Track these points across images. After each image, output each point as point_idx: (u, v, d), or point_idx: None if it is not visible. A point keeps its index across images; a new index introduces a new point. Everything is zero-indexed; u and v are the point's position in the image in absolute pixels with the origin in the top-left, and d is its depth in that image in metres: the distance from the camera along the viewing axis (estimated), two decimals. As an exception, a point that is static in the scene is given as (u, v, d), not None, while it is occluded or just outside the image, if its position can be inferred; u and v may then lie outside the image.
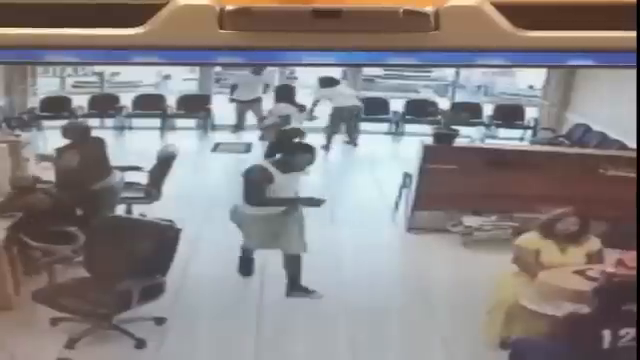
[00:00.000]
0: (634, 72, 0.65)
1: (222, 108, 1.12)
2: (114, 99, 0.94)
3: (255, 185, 1.16)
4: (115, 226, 0.93)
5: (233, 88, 1.32)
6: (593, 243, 0.99)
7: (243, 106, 1.34)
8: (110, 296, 0.98)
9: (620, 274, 0.89)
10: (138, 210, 0.95)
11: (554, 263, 0.99)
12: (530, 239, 1.00)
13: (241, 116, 1.34)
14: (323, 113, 1.15)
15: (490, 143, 0.97)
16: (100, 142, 0.93)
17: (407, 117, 0.97)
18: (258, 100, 1.35)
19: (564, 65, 0.64)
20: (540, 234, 1.00)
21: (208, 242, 0.94)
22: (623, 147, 0.88)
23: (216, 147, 1.07)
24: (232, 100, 1.31)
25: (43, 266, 0.99)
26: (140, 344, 0.97)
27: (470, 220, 0.95)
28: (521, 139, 0.96)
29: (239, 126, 1.32)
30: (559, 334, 0.88)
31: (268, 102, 1.37)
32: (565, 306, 0.89)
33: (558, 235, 0.99)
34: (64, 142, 0.91)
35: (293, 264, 0.99)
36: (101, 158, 0.92)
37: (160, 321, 0.95)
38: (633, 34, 0.62)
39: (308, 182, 0.96)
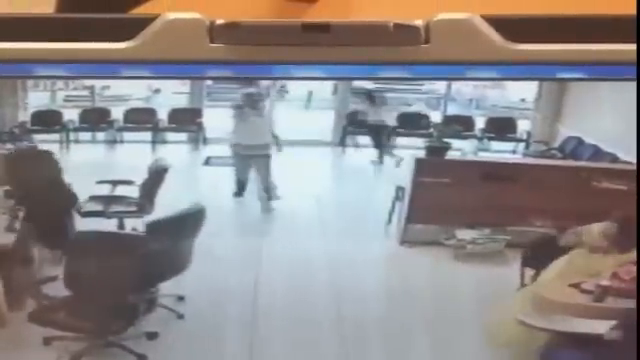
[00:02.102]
0: (626, 85, 0.65)
1: (213, 122, 1.10)
2: (105, 113, 0.94)
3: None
4: (94, 242, 0.93)
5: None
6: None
7: (242, 159, 0.96)
8: (105, 313, 0.98)
9: (615, 287, 0.89)
10: (130, 224, 0.95)
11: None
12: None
13: (241, 174, 0.96)
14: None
15: (483, 156, 0.97)
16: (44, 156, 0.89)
17: (399, 130, 0.97)
18: (265, 153, 0.91)
19: (555, 78, 0.64)
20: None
21: (201, 255, 0.94)
22: (616, 160, 0.88)
23: (207, 160, 1.06)
24: (231, 149, 0.98)
25: (29, 287, 0.98)
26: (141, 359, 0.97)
27: (463, 233, 0.95)
28: (514, 152, 0.96)
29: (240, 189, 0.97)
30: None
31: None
32: (560, 319, 0.90)
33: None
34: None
35: None
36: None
37: (152, 336, 0.94)
38: (626, 47, 0.62)
39: (299, 193, 0.96)
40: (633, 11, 0.64)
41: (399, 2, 0.85)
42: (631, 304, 0.83)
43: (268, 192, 0.96)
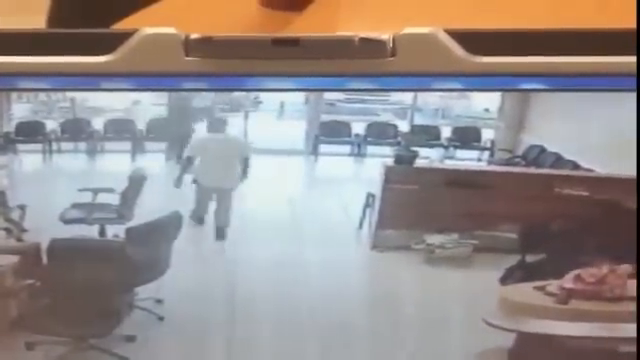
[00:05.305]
0: (585, 95, 0.68)
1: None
2: (86, 124, 0.95)
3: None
4: (74, 248, 0.94)
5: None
6: None
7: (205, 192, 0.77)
8: (86, 317, 0.99)
9: (579, 289, 0.92)
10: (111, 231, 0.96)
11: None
12: None
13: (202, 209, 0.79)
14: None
15: (449, 163, 0.99)
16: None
17: (368, 139, 0.98)
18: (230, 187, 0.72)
19: (517, 89, 0.67)
20: None
21: (179, 259, 0.95)
22: (577, 167, 0.91)
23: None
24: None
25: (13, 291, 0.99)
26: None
27: (432, 238, 0.97)
28: (479, 160, 0.98)
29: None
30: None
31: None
32: (526, 321, 0.92)
33: None
34: (35, 165, 0.92)
35: None
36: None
37: (131, 338, 0.96)
38: (586, 59, 0.65)
39: (273, 200, 0.98)
40: (595, 25, 0.66)
41: (384, 11, 0.87)
42: (594, 306, 0.86)
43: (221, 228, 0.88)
